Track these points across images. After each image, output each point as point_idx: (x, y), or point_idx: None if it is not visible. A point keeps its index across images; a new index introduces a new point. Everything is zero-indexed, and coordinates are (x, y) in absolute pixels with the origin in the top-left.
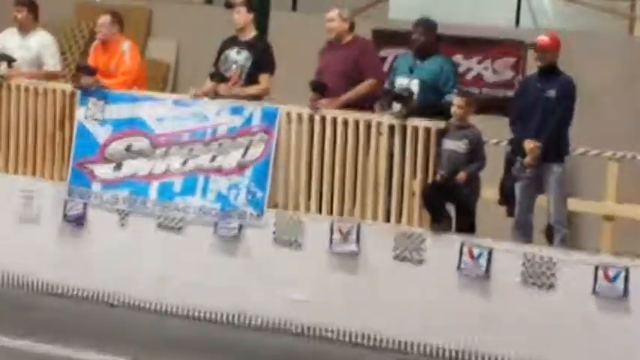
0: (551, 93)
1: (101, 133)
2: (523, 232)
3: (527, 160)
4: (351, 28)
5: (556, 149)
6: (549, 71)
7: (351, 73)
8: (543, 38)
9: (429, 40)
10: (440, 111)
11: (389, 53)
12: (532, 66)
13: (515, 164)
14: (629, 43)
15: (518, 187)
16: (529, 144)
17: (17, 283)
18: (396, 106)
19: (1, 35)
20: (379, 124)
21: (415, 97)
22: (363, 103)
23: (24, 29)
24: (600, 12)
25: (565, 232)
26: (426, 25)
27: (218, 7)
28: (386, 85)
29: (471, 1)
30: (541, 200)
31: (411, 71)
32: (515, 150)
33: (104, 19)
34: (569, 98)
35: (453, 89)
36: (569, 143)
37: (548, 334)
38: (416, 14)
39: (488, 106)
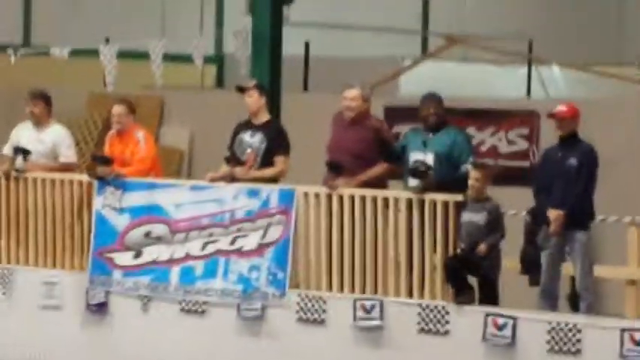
0: (573, 161)
1: (120, 222)
2: (549, 301)
3: (552, 229)
4: (369, 108)
5: (580, 217)
6: (570, 140)
7: (364, 154)
8: (561, 108)
9: (439, 113)
10: (457, 183)
11: (401, 129)
12: (546, 135)
13: (540, 233)
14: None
15: (543, 256)
16: (553, 213)
17: None
18: (413, 181)
19: (16, 130)
20: (397, 200)
21: (431, 171)
22: (376, 183)
23: (39, 123)
24: (610, 79)
25: (591, 299)
26: (434, 99)
27: (229, 91)
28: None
29: (480, 73)
30: (565, 268)
31: (425, 145)
32: (540, 219)
33: (119, 108)
34: (592, 166)
35: (469, 159)
36: (593, 210)
37: None
38: (426, 89)
39: (504, 177)
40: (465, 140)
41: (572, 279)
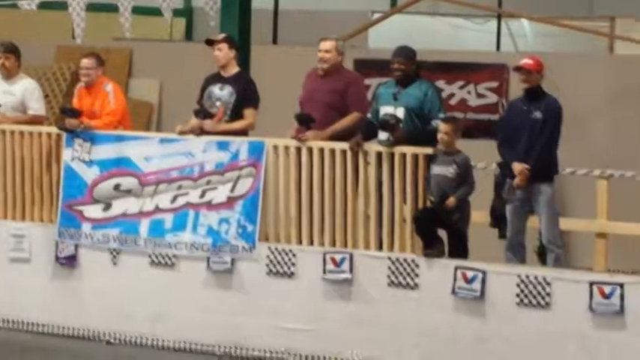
0: (538, 114)
1: (89, 174)
2: (516, 254)
3: (516, 181)
4: (342, 60)
5: (545, 170)
6: (534, 93)
7: (337, 104)
8: (527, 61)
9: (409, 67)
10: (427, 137)
11: (371, 82)
12: (515, 89)
13: (505, 186)
14: (609, 62)
15: (508, 209)
16: (517, 166)
17: (10, 325)
18: (383, 135)
19: None
20: (366, 152)
21: (401, 124)
22: (346, 136)
23: (9, 76)
24: (579, 33)
25: (558, 251)
26: (405, 53)
27: (199, 44)
28: (369, 115)
29: (449, 27)
30: (532, 221)
31: (395, 99)
32: (504, 172)
33: (88, 61)
34: (556, 119)
35: (439, 114)
36: (557, 163)
37: (545, 353)
38: (396, 42)
39: (473, 130)
40: (436, 95)
41: (540, 232)
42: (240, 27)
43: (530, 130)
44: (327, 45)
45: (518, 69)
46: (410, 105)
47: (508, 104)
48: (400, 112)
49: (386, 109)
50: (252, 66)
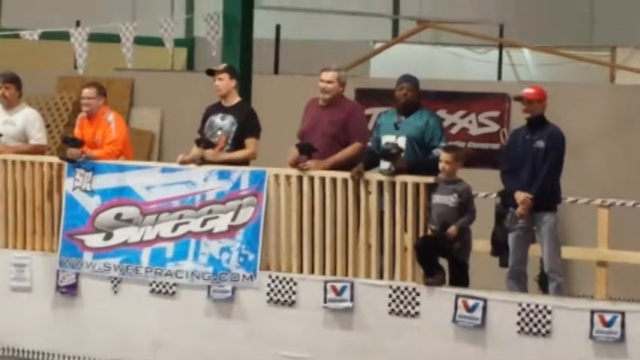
0: (540, 144)
1: (90, 204)
2: (518, 282)
3: (519, 211)
4: (343, 90)
5: (547, 199)
6: (537, 122)
7: (339, 135)
8: (529, 91)
9: (413, 96)
10: (428, 166)
11: (372, 112)
12: (516, 118)
13: (508, 215)
14: (610, 91)
15: (511, 238)
16: (520, 195)
17: (12, 353)
18: (384, 164)
19: None
20: (368, 182)
21: (403, 153)
22: (348, 165)
23: (9, 105)
24: (580, 62)
25: (560, 280)
26: (410, 81)
27: (200, 74)
28: (370, 144)
29: (451, 57)
30: (533, 249)
31: (397, 128)
32: (507, 201)
33: (90, 91)
34: (559, 148)
35: (441, 143)
36: (560, 192)
37: None
38: (397, 72)
39: (474, 159)
40: (437, 124)
41: (541, 260)
42: (242, 57)
43: (533, 160)
44: (328, 75)
45: (519, 99)
46: (411, 134)
47: (511, 133)
48: (401, 142)
49: (387, 138)
50: (254, 95)
